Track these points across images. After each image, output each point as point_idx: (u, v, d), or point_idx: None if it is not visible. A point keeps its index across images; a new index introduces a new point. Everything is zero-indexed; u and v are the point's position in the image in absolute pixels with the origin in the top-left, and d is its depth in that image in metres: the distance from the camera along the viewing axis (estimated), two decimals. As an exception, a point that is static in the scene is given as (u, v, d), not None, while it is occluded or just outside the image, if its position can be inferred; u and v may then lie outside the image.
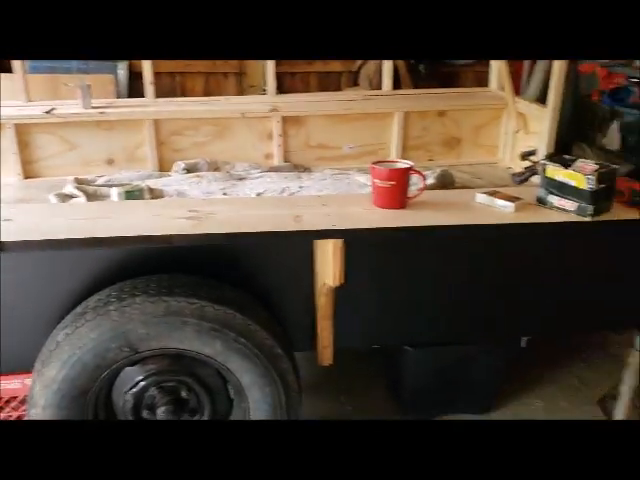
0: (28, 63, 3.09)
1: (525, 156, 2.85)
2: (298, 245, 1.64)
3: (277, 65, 3.30)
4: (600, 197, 1.58)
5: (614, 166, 1.65)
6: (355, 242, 1.60)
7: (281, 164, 3.12)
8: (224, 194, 2.70)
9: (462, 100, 3.27)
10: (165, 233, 1.48)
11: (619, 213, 1.65)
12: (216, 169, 3.03)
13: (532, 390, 2.42)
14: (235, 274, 1.68)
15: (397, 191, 1.69)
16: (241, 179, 2.92)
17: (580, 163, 1.63)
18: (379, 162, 1.74)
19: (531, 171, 2.78)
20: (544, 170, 1.67)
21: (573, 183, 1.59)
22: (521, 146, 3.07)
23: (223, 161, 3.06)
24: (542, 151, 2.85)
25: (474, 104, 3.21)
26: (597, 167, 1.58)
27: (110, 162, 2.93)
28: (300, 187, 2.81)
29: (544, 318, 1.95)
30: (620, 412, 2.17)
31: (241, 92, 3.73)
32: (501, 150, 3.25)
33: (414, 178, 1.75)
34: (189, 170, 2.94)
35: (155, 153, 2.95)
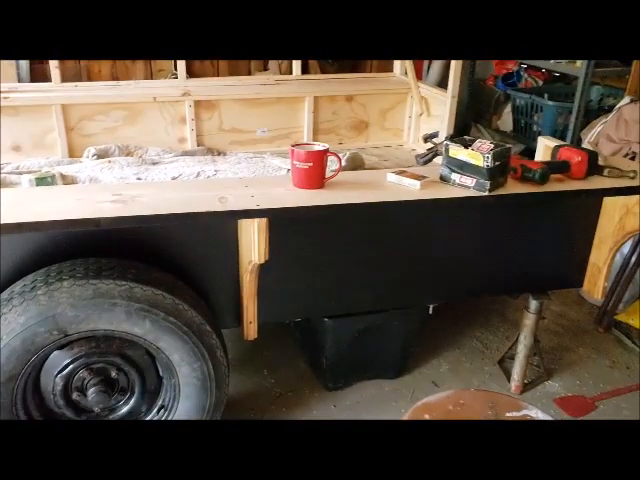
0: None
1: (428, 138, 3.02)
2: (223, 225, 1.70)
3: (187, 49, 3.28)
4: (495, 173, 1.76)
5: (508, 145, 1.83)
6: (278, 221, 1.68)
7: (195, 148, 3.13)
8: (138, 179, 2.68)
9: (368, 85, 3.42)
10: (92, 216, 1.49)
11: (513, 187, 1.84)
12: (128, 154, 2.99)
13: (440, 354, 2.63)
14: (163, 255, 1.72)
15: (315, 172, 1.78)
16: (155, 163, 2.91)
17: (478, 143, 1.80)
18: (297, 145, 1.83)
19: (434, 152, 2.96)
20: (447, 150, 1.82)
21: (472, 161, 1.76)
22: (424, 129, 3.27)
23: (135, 146, 3.03)
24: (443, 133, 3.06)
25: (380, 89, 3.37)
26: (493, 146, 1.76)
27: (17, 149, 2.83)
28: (216, 171, 2.84)
29: (450, 285, 2.13)
30: (517, 370, 2.42)
31: (150, 76, 3.67)
32: (406, 133, 3.44)
33: (330, 160, 1.86)
34: (100, 156, 2.89)
35: (65, 139, 2.88)
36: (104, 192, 1.67)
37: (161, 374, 1.79)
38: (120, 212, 1.53)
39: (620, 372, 2.58)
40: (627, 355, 2.68)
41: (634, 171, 1.94)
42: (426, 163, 2.98)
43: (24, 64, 3.48)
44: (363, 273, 1.99)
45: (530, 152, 2.70)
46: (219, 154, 3.15)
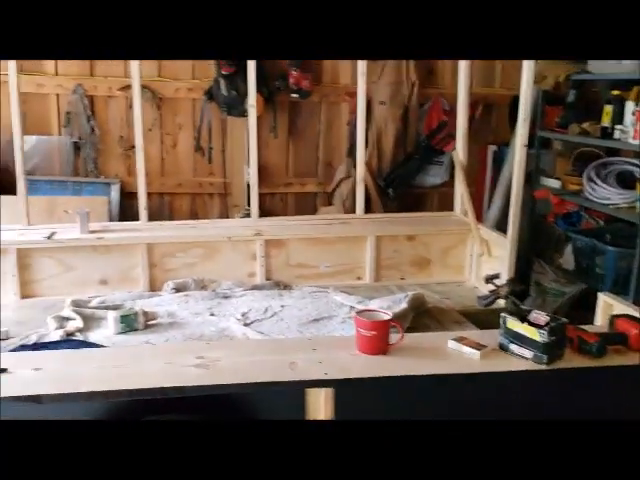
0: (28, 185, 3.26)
1: (489, 279, 3.09)
2: (292, 393, 1.82)
3: (259, 187, 3.59)
4: (552, 347, 1.81)
5: (564, 320, 1.88)
6: (343, 389, 1.79)
7: (263, 282, 3.34)
8: (211, 314, 2.90)
9: (429, 224, 3.58)
10: (177, 385, 1.64)
11: (572, 360, 1.85)
12: (203, 287, 3.23)
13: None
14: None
15: (379, 340, 1.89)
16: (226, 297, 3.13)
17: (535, 315, 1.88)
18: (361, 312, 1.96)
19: (495, 295, 3.03)
20: (504, 322, 1.91)
21: (529, 334, 1.83)
22: (485, 268, 3.34)
23: (210, 279, 3.27)
24: (504, 275, 3.13)
25: (440, 229, 3.52)
26: (549, 320, 1.83)
27: (103, 282, 3.10)
28: (282, 306, 3.03)
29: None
30: None
31: (225, 211, 3.99)
32: (467, 270, 3.52)
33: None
34: (178, 289, 3.14)
35: (147, 274, 3.14)
36: (189, 353, 1.82)
37: None
38: (203, 379, 1.67)
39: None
40: None
41: None
42: (488, 305, 3.05)
43: (115, 201, 3.88)
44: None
45: (594, 292, 2.66)
46: (285, 287, 3.35)
